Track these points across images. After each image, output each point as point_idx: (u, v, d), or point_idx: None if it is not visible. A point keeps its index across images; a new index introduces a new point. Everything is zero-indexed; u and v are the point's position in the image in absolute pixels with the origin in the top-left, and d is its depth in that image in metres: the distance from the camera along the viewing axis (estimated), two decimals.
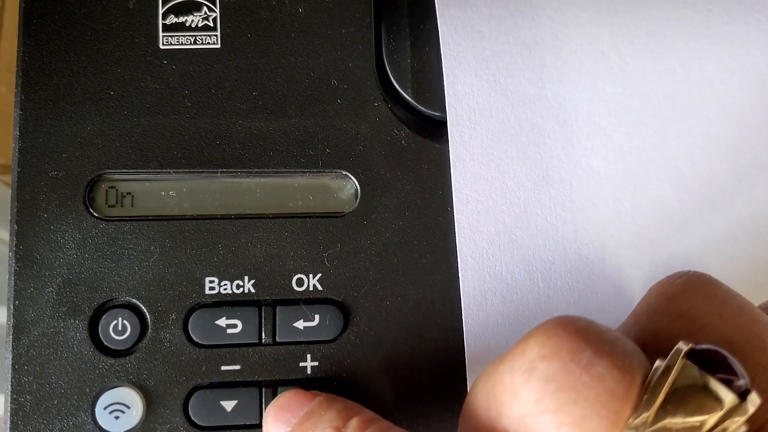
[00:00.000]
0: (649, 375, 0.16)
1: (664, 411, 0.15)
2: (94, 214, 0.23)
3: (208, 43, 0.24)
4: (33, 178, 0.23)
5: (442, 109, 0.24)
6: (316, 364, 0.23)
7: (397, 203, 0.24)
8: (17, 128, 0.23)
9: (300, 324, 0.23)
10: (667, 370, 0.15)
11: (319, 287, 0.24)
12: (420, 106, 0.25)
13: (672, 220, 0.25)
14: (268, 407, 0.22)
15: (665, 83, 0.25)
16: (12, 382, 0.22)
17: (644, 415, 0.15)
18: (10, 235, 0.23)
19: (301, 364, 0.23)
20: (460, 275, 0.24)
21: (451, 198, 0.24)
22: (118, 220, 0.23)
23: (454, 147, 0.24)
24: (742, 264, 0.25)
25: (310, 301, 0.23)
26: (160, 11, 0.24)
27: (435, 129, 0.25)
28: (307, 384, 0.23)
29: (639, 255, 0.25)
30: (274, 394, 0.23)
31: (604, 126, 0.25)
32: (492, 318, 0.24)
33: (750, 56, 0.26)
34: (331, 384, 0.23)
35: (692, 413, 0.15)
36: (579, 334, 0.16)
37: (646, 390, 0.15)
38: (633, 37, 0.25)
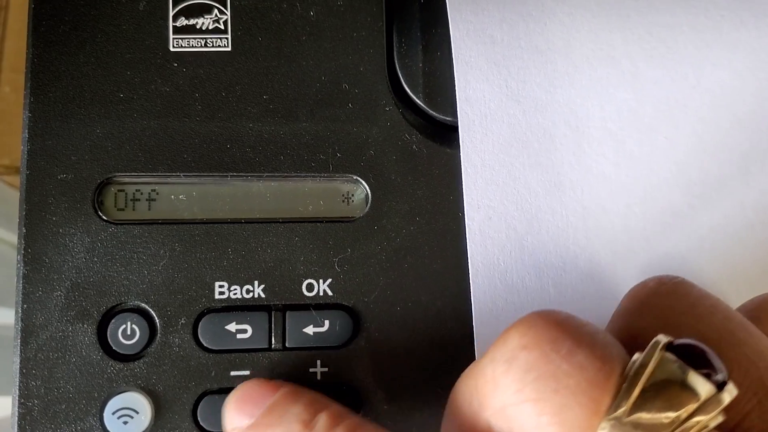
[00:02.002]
0: (628, 366, 0.16)
1: (642, 402, 0.15)
2: (103, 217, 0.23)
3: (219, 46, 0.24)
4: (42, 180, 0.23)
5: (454, 114, 0.24)
6: (326, 369, 0.23)
7: (408, 208, 0.24)
8: (26, 130, 0.23)
9: (310, 329, 0.23)
10: (646, 361, 0.16)
11: (330, 292, 0.23)
12: (431, 111, 0.25)
13: (682, 226, 0.25)
14: (228, 397, 0.21)
15: (677, 89, 0.25)
16: (20, 386, 0.22)
17: (623, 406, 0.15)
18: (19, 238, 0.23)
19: (311, 369, 0.23)
20: (470, 281, 0.24)
21: (462, 203, 0.24)
22: (127, 224, 0.23)
23: (465, 152, 0.24)
24: (753, 271, 0.25)
25: (320, 307, 0.23)
26: (171, 14, 0.24)
27: (446, 134, 0.25)
28: (318, 390, 0.23)
29: (649, 261, 0.25)
30: None
31: (616, 132, 0.25)
32: (503, 324, 0.24)
33: (762, 62, 0.26)
34: (341, 390, 0.23)
35: (670, 404, 0.15)
36: (559, 325, 0.17)
37: (625, 381, 0.16)
38: (645, 43, 0.25)
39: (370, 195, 0.24)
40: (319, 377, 0.23)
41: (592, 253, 0.24)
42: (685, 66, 0.25)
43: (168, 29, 0.24)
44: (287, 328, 0.23)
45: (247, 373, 0.23)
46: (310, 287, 0.23)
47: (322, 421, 0.19)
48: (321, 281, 0.23)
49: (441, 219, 0.24)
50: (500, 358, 0.17)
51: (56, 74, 0.24)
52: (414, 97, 0.25)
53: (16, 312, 0.23)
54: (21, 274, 0.23)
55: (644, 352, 0.16)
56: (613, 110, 0.25)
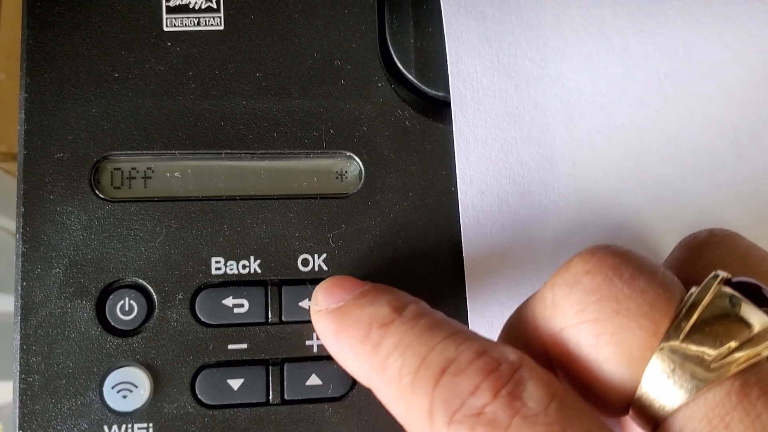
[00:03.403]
0: (685, 298, 0.17)
1: (697, 331, 0.16)
2: (100, 195, 0.23)
3: (212, 24, 0.24)
4: (39, 160, 0.23)
5: (446, 89, 0.24)
6: (322, 342, 0.23)
7: (401, 184, 0.24)
8: (23, 111, 0.23)
9: (305, 303, 0.23)
10: (703, 292, 0.16)
11: (324, 267, 0.24)
12: (424, 87, 0.25)
13: (674, 198, 0.25)
14: (318, 286, 0.22)
15: (667, 63, 0.25)
16: (20, 362, 0.22)
17: (678, 334, 0.16)
18: (17, 217, 0.23)
19: (308, 342, 0.23)
20: (464, 255, 0.24)
21: (455, 178, 0.24)
22: (123, 202, 0.23)
23: (457, 127, 0.24)
24: None
25: (315, 281, 0.23)
26: None
27: (439, 109, 0.25)
28: (314, 362, 0.23)
29: (641, 233, 0.25)
30: (281, 373, 0.23)
31: (607, 105, 0.25)
32: (496, 298, 0.24)
33: (751, 36, 0.26)
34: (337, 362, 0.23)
35: (724, 334, 0.16)
36: (621, 254, 0.17)
37: (683, 309, 0.16)
38: (635, 18, 0.25)
39: (363, 171, 0.24)
40: (315, 350, 0.23)
41: (584, 225, 0.25)
42: (675, 40, 0.26)
43: (161, 9, 0.24)
44: (283, 302, 0.23)
45: (244, 346, 0.23)
46: (305, 262, 0.24)
47: (411, 308, 0.19)
48: (316, 256, 0.24)
49: (434, 194, 0.24)
50: (562, 283, 0.17)
51: (52, 55, 0.24)
52: (406, 73, 0.25)
53: (16, 290, 0.23)
54: (20, 252, 0.23)
55: (702, 285, 0.16)
56: (604, 84, 0.25)
